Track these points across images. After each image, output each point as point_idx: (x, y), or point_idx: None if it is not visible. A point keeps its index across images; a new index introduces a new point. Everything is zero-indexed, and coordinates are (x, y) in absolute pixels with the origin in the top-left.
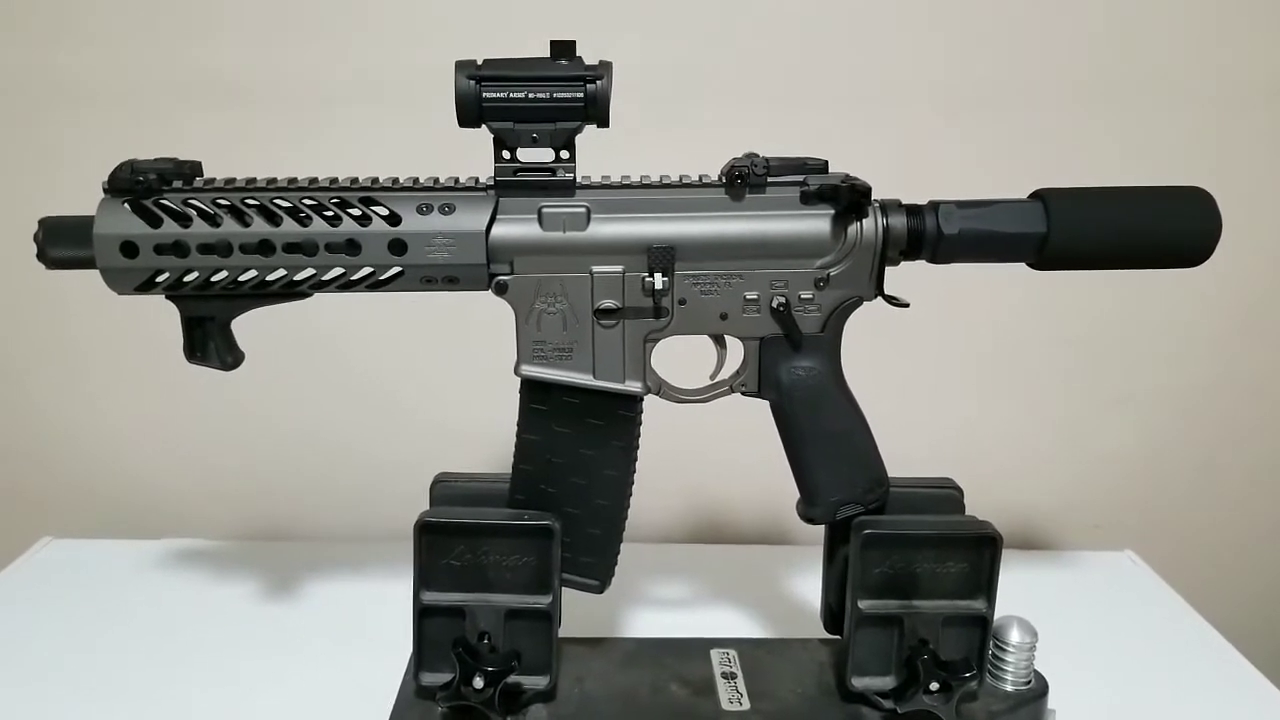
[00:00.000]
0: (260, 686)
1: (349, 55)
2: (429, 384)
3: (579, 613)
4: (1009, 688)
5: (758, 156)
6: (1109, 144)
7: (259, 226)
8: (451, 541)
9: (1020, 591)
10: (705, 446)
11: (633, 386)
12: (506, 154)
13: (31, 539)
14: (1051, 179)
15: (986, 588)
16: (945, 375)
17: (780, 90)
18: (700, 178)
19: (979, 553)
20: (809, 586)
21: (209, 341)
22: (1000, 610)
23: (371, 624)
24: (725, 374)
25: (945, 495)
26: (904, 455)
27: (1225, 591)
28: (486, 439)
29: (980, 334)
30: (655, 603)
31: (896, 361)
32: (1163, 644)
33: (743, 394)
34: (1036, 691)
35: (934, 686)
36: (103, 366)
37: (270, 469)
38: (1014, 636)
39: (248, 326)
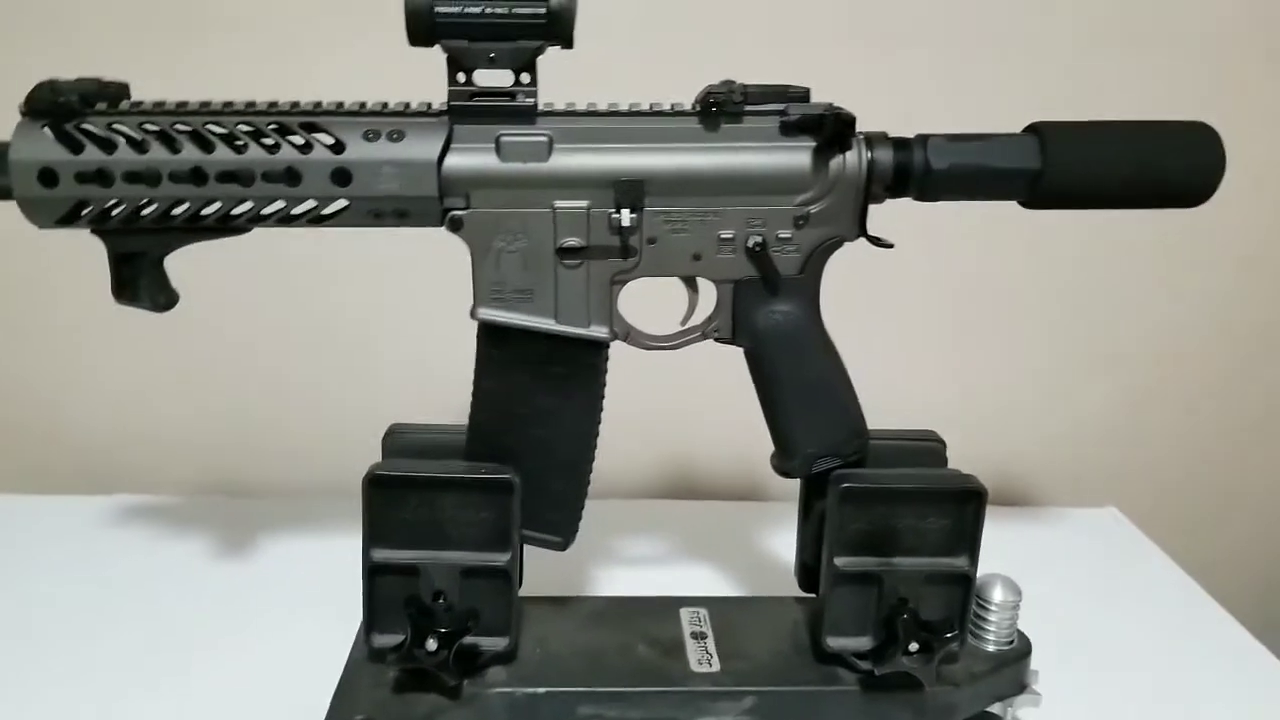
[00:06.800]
0: (211, 646)
1: None
2: (385, 329)
3: (545, 571)
4: (991, 648)
5: (735, 84)
6: (1111, 83)
7: (190, 153)
8: (403, 496)
9: (1002, 549)
10: (677, 397)
11: (598, 332)
12: (462, 77)
13: None
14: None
15: (969, 544)
16: (929, 323)
17: (761, 19)
18: (672, 106)
19: (962, 508)
20: (784, 544)
21: (139, 280)
22: (981, 568)
23: (327, 582)
24: (697, 319)
25: (927, 448)
26: (884, 407)
27: (1209, 548)
28: (448, 387)
29: (966, 281)
30: (625, 561)
31: (878, 308)
32: (1146, 601)
33: (716, 340)
34: (1020, 651)
35: (914, 647)
36: (43, 313)
37: (222, 422)
38: (997, 595)
39: (196, 269)
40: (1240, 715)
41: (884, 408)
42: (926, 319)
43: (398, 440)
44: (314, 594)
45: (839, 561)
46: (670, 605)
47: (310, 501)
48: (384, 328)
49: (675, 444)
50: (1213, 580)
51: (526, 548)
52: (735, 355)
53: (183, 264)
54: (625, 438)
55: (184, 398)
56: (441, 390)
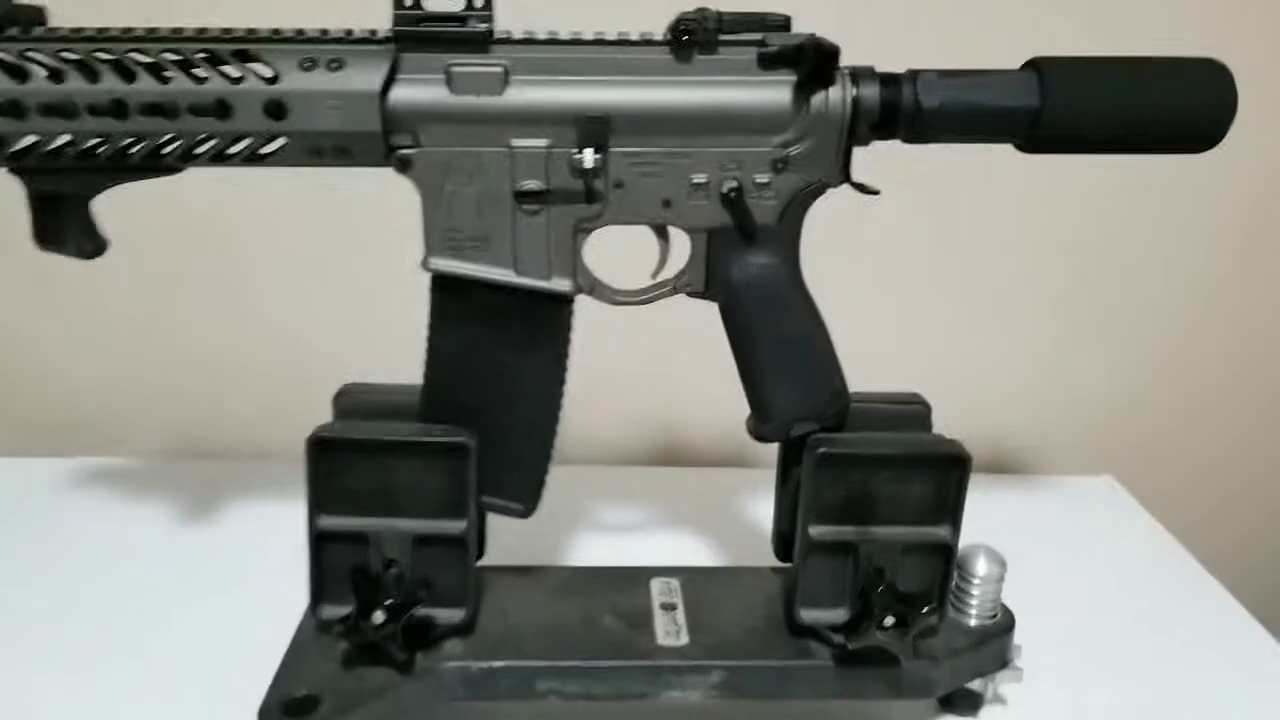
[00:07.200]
0: (163, 615)
1: None
2: (341, 282)
3: (514, 541)
4: (973, 622)
5: (709, 11)
6: (1115, 19)
7: (110, 83)
8: (350, 460)
9: (991, 518)
10: (655, 355)
11: (560, 284)
12: (409, 0)
13: None
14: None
15: (952, 513)
16: (919, 281)
17: None
18: (641, 36)
19: (945, 474)
20: (769, 513)
21: (64, 225)
22: (969, 538)
23: (289, 548)
24: (668, 272)
25: (910, 411)
26: (870, 371)
27: (1207, 519)
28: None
29: (957, 236)
30: (599, 529)
31: (864, 263)
32: (1140, 574)
33: (688, 294)
34: (1002, 626)
35: (889, 621)
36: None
37: (184, 384)
38: (980, 568)
39: (153, 227)
40: (1234, 688)
41: (870, 372)
42: (916, 276)
43: (349, 401)
44: (274, 561)
45: (813, 530)
46: (641, 575)
47: (272, 466)
48: (330, 282)
49: (654, 406)
50: (1212, 555)
51: (492, 516)
52: (713, 312)
53: (143, 223)
54: (600, 400)
55: (146, 359)
56: (405, 349)
